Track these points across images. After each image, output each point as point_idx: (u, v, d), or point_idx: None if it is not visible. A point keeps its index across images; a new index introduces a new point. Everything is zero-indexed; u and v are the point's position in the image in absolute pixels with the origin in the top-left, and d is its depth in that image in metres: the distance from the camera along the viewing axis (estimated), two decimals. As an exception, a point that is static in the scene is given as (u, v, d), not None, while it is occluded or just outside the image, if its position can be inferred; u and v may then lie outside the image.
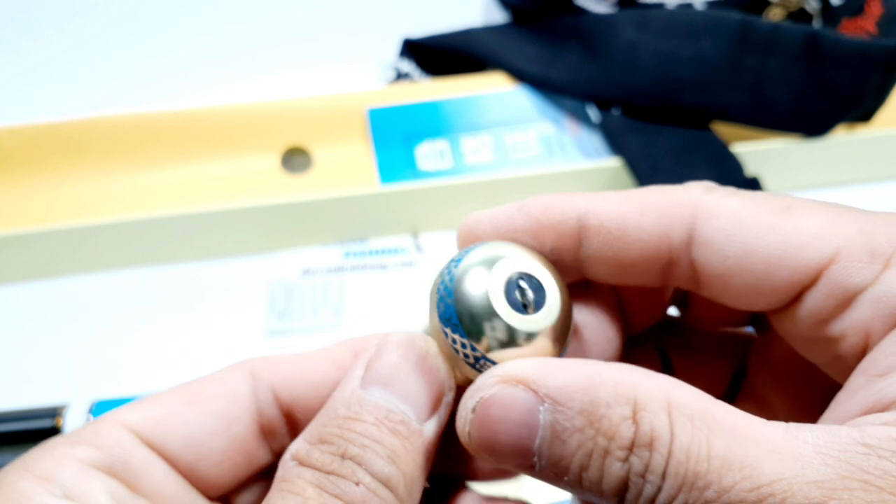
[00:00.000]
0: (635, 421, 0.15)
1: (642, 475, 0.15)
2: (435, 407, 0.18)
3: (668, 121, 0.45)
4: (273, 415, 0.20)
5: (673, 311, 0.22)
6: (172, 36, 0.59)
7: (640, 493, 0.15)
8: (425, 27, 0.52)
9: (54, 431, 0.34)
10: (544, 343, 0.18)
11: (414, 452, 0.17)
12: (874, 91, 0.43)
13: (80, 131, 0.45)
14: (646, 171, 0.43)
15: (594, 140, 0.46)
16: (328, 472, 0.17)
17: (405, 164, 0.45)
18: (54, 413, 0.34)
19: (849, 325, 0.16)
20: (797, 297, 0.17)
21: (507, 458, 0.16)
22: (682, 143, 0.44)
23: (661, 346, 0.22)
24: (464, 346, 0.18)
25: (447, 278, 0.19)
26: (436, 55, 0.51)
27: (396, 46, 0.52)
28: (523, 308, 0.18)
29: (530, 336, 0.18)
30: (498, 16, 0.54)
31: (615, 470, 0.15)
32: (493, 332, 0.18)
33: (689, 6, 0.49)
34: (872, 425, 0.15)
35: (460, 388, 0.19)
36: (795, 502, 0.14)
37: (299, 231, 0.44)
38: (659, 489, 0.15)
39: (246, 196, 0.44)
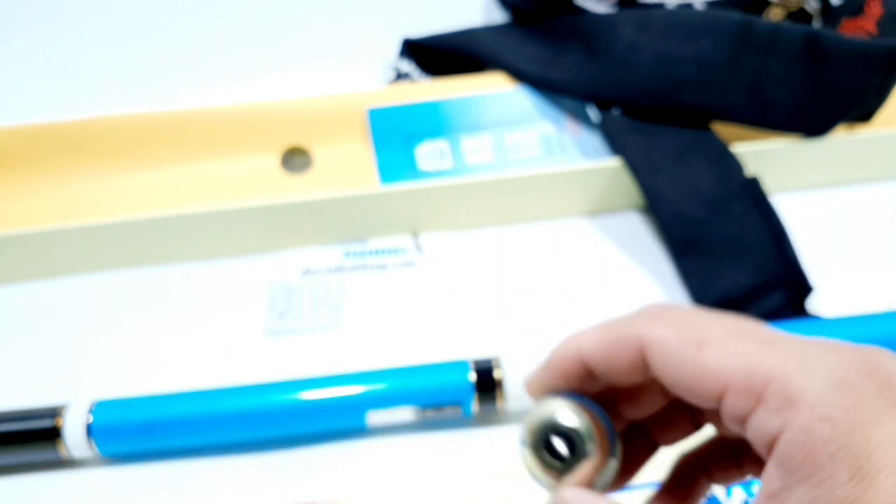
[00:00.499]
0: None
1: None
2: None
3: (667, 121, 0.45)
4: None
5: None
6: (172, 36, 0.59)
7: None
8: (425, 27, 0.52)
9: (54, 431, 0.34)
10: (584, 473, 0.22)
11: None
12: (874, 91, 0.43)
13: (80, 131, 0.45)
14: (645, 171, 0.43)
15: (594, 140, 0.46)
16: None
17: (405, 164, 0.45)
18: (54, 413, 0.34)
19: (750, 437, 0.20)
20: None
21: None
22: (681, 143, 0.44)
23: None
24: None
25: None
26: (436, 55, 0.51)
27: (396, 46, 0.52)
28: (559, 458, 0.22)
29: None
30: (498, 16, 0.54)
31: None
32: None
33: (689, 6, 0.49)
34: None
35: None
36: None
37: (299, 231, 0.44)
38: None
39: (246, 196, 0.44)
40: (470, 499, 0.33)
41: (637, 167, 0.43)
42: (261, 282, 0.43)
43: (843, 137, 0.45)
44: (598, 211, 0.46)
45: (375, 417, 0.35)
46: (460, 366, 0.35)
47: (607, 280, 0.42)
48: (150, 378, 0.39)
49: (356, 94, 0.47)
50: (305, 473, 0.35)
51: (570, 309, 0.41)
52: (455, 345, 0.39)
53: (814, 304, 0.40)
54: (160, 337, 0.41)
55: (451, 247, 0.44)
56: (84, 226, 0.42)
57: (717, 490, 0.33)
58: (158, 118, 0.46)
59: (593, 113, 0.46)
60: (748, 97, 0.43)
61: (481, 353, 0.36)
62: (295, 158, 0.47)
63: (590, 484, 0.22)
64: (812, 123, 0.44)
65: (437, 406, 0.35)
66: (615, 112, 0.45)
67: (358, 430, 0.36)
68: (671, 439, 0.25)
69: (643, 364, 0.21)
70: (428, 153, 0.46)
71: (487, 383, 0.35)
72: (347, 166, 0.46)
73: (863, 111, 0.44)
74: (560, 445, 0.22)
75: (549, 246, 0.44)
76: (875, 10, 0.46)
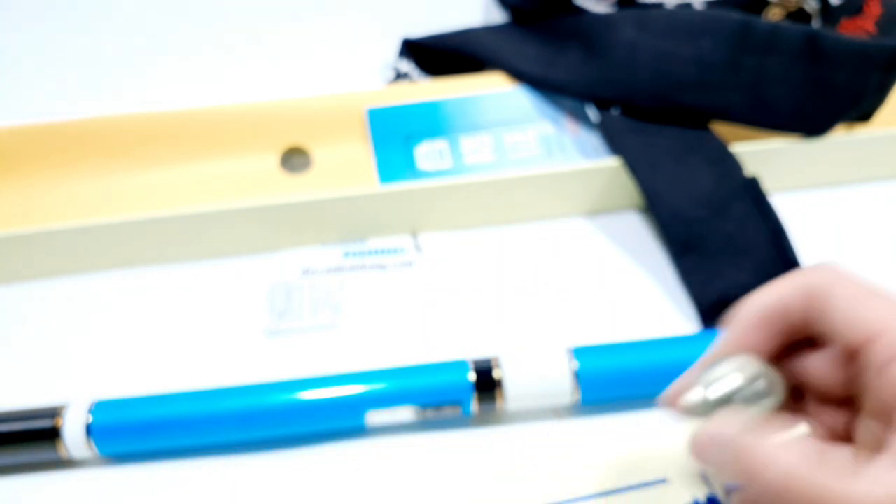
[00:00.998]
0: None
1: None
2: None
3: (667, 121, 0.45)
4: None
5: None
6: (172, 36, 0.59)
7: None
8: (425, 27, 0.52)
9: (54, 432, 0.34)
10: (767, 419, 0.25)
11: None
12: (874, 91, 0.43)
13: (80, 131, 0.45)
14: (645, 171, 0.43)
15: (593, 140, 0.46)
16: None
17: (405, 164, 0.45)
18: (54, 413, 0.34)
19: (883, 385, 0.23)
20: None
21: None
22: (681, 143, 0.44)
23: None
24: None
25: None
26: (435, 55, 0.51)
27: (396, 46, 0.52)
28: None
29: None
30: (497, 16, 0.54)
31: None
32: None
33: (689, 6, 0.49)
34: None
35: None
36: None
37: (299, 231, 0.44)
38: None
39: (245, 196, 0.44)
40: (470, 499, 0.33)
41: (636, 167, 0.43)
42: (261, 282, 0.43)
43: (842, 137, 0.45)
44: (597, 211, 0.46)
45: (375, 417, 0.35)
46: (460, 365, 0.35)
47: (607, 280, 0.42)
48: (149, 378, 0.39)
49: (356, 94, 0.47)
50: (305, 473, 0.35)
51: (569, 309, 0.41)
52: (454, 344, 0.39)
53: (813, 303, 0.40)
54: (160, 337, 0.41)
55: (450, 247, 0.44)
56: (84, 226, 0.42)
57: (717, 490, 0.33)
58: (158, 118, 0.46)
59: (593, 113, 0.46)
60: (747, 97, 0.43)
61: (481, 353, 0.36)
62: (294, 158, 0.47)
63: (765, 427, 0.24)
64: (812, 123, 0.44)
65: (437, 406, 0.35)
66: (615, 112, 0.45)
67: (357, 430, 0.36)
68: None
69: (811, 310, 0.25)
70: (427, 153, 0.46)
71: (487, 383, 0.35)
72: (347, 166, 0.46)
73: (862, 111, 0.44)
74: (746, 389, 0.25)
75: (548, 246, 0.44)
76: (874, 9, 0.46)
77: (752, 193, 0.42)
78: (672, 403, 0.26)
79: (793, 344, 0.27)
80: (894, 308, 0.23)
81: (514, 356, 0.35)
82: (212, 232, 0.43)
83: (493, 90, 0.47)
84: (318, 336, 0.40)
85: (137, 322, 0.41)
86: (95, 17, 0.60)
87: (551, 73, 0.47)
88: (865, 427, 0.25)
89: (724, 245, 0.41)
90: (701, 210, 0.42)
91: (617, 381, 0.35)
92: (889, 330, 0.23)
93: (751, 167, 0.44)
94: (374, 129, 0.46)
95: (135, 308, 0.42)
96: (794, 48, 0.43)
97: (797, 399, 0.27)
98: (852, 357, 0.24)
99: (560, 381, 0.35)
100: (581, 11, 0.49)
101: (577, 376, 0.35)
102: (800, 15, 0.49)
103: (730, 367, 0.25)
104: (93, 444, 0.34)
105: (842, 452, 0.25)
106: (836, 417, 0.26)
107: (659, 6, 0.49)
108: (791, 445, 0.22)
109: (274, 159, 0.47)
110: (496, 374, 0.35)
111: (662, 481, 0.32)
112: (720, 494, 0.31)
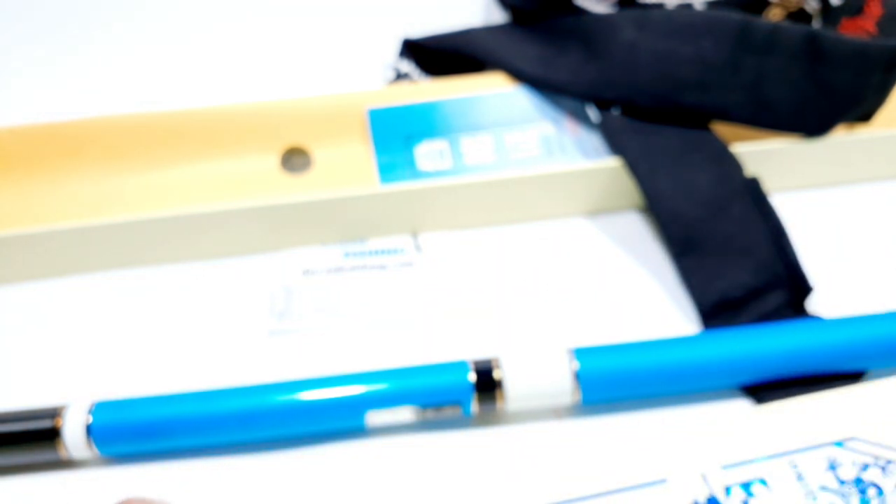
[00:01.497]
0: None
1: None
2: None
3: (667, 121, 0.45)
4: None
5: None
6: (172, 36, 0.59)
7: None
8: (425, 27, 0.52)
9: (54, 432, 0.34)
10: None
11: None
12: (874, 91, 0.43)
13: (80, 131, 0.45)
14: (645, 171, 0.43)
15: (594, 140, 0.46)
16: None
17: (405, 165, 0.45)
18: (54, 413, 0.34)
19: None
20: None
21: None
22: (681, 143, 0.44)
23: None
24: None
25: None
26: (436, 55, 0.51)
27: (396, 47, 0.52)
28: None
29: None
30: (498, 16, 0.54)
31: None
32: None
33: (689, 6, 0.49)
34: None
35: None
36: None
37: (299, 231, 0.44)
38: None
39: (246, 196, 0.44)
40: (470, 499, 0.33)
41: (637, 167, 0.43)
42: (261, 282, 0.43)
43: (843, 137, 0.45)
44: (597, 211, 0.46)
45: (375, 418, 0.35)
46: (460, 366, 0.35)
47: (607, 280, 0.42)
48: (149, 379, 0.39)
49: (356, 95, 0.47)
50: (305, 473, 0.35)
51: (570, 309, 0.41)
52: (455, 345, 0.39)
53: (814, 304, 0.40)
54: (159, 337, 0.41)
55: (450, 247, 0.44)
56: (84, 226, 0.42)
57: (717, 491, 0.33)
58: (158, 118, 0.46)
59: (593, 113, 0.46)
60: (748, 97, 0.44)
61: (481, 353, 0.36)
62: (295, 158, 0.47)
63: None
64: (812, 123, 0.44)
65: (437, 406, 0.35)
66: (615, 112, 0.45)
67: (357, 431, 0.36)
68: None
69: None
70: (428, 153, 0.46)
71: (487, 383, 0.35)
72: (347, 166, 0.46)
73: (863, 111, 0.44)
74: None
75: (548, 246, 0.44)
76: (875, 10, 0.46)
77: (753, 194, 0.42)
78: None
79: None
80: None
81: (515, 356, 0.35)
82: (212, 232, 0.43)
83: (493, 90, 0.47)
84: (318, 336, 0.40)
85: (137, 322, 0.41)
86: (96, 17, 0.60)
87: (552, 73, 0.47)
88: None
89: (725, 245, 0.41)
90: (701, 210, 0.42)
91: (617, 382, 0.35)
92: None
93: (751, 167, 0.44)
94: (375, 129, 0.46)
95: (135, 308, 0.42)
96: (794, 48, 0.43)
97: None
98: None
99: (560, 382, 0.35)
100: (581, 11, 0.49)
101: (578, 377, 0.35)
102: (800, 15, 0.50)
103: None
104: (93, 445, 0.34)
105: None
106: None
107: (659, 6, 0.49)
108: None
109: (274, 159, 0.47)
110: (496, 374, 0.35)
111: (662, 482, 0.32)
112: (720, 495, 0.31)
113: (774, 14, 0.50)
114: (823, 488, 0.31)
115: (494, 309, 0.41)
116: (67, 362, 0.40)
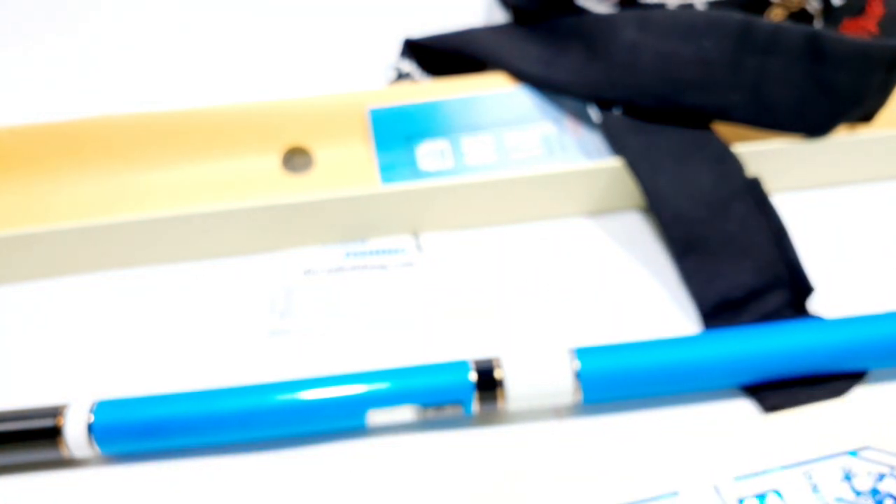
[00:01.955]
0: None
1: None
2: None
3: (668, 121, 0.45)
4: None
5: None
6: (172, 36, 0.59)
7: None
8: (426, 27, 0.52)
9: (54, 431, 0.34)
10: None
11: None
12: (876, 91, 0.43)
13: (80, 131, 0.45)
14: (646, 171, 0.43)
15: (595, 140, 0.46)
16: None
17: (406, 164, 0.45)
18: (54, 413, 0.34)
19: None
20: None
21: None
22: (682, 144, 0.44)
23: None
24: None
25: None
26: (437, 55, 0.51)
27: (397, 46, 0.52)
28: None
29: None
30: (499, 16, 0.54)
31: None
32: None
33: (691, 6, 0.49)
34: None
35: None
36: None
37: (300, 231, 0.44)
38: None
39: (246, 196, 0.44)
40: (470, 499, 0.33)
41: (638, 167, 0.43)
42: (261, 282, 0.43)
43: (844, 138, 0.45)
44: (599, 211, 0.46)
45: (376, 417, 0.35)
46: (461, 365, 0.35)
47: (608, 280, 0.42)
48: (150, 378, 0.39)
49: (357, 94, 0.47)
50: (305, 473, 0.35)
51: (571, 309, 0.41)
52: (456, 344, 0.39)
53: (815, 304, 0.40)
54: (160, 337, 0.41)
55: (451, 247, 0.44)
56: (84, 226, 0.42)
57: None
58: (158, 118, 0.46)
59: (594, 113, 0.46)
60: (749, 97, 0.43)
61: (482, 353, 0.36)
62: (296, 158, 0.47)
63: None
64: (813, 124, 0.44)
65: (438, 405, 0.35)
66: (616, 112, 0.45)
67: (358, 430, 0.36)
68: None
69: None
70: (429, 153, 0.46)
71: (488, 383, 0.35)
72: (348, 166, 0.46)
73: (864, 111, 0.44)
74: None
75: (549, 246, 0.44)
76: (876, 10, 0.46)
77: (754, 194, 0.42)
78: None
79: None
80: None
81: (516, 356, 0.35)
82: (213, 232, 0.43)
83: (494, 90, 0.47)
84: (319, 336, 0.40)
85: (138, 322, 0.41)
86: (96, 16, 0.60)
87: (553, 73, 0.47)
88: None
89: (726, 245, 0.41)
90: (702, 210, 0.42)
91: (618, 382, 0.35)
92: None
93: (752, 167, 0.44)
94: (376, 129, 0.46)
95: (135, 308, 0.42)
96: (795, 48, 0.43)
97: None
98: None
99: (562, 382, 0.35)
100: (583, 12, 0.49)
101: (579, 376, 0.35)
102: (802, 15, 0.49)
103: None
104: (94, 443, 0.34)
105: None
106: None
107: (661, 6, 0.49)
108: None
109: (275, 159, 0.47)
110: (497, 374, 0.35)
111: (675, 494, 0.31)
112: None
113: (776, 14, 0.50)
114: (839, 500, 0.30)
115: (495, 309, 0.41)
116: (68, 362, 0.40)
